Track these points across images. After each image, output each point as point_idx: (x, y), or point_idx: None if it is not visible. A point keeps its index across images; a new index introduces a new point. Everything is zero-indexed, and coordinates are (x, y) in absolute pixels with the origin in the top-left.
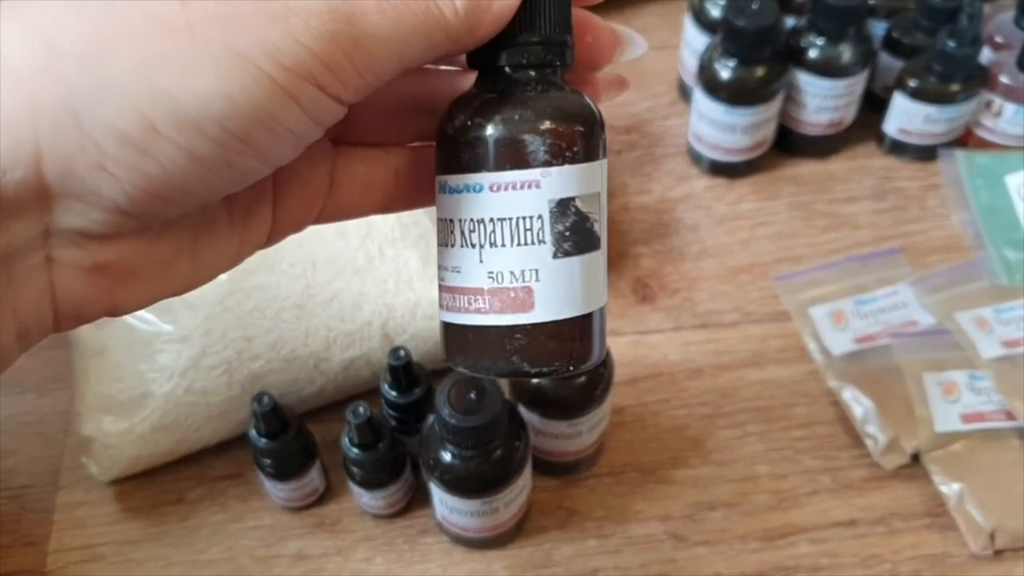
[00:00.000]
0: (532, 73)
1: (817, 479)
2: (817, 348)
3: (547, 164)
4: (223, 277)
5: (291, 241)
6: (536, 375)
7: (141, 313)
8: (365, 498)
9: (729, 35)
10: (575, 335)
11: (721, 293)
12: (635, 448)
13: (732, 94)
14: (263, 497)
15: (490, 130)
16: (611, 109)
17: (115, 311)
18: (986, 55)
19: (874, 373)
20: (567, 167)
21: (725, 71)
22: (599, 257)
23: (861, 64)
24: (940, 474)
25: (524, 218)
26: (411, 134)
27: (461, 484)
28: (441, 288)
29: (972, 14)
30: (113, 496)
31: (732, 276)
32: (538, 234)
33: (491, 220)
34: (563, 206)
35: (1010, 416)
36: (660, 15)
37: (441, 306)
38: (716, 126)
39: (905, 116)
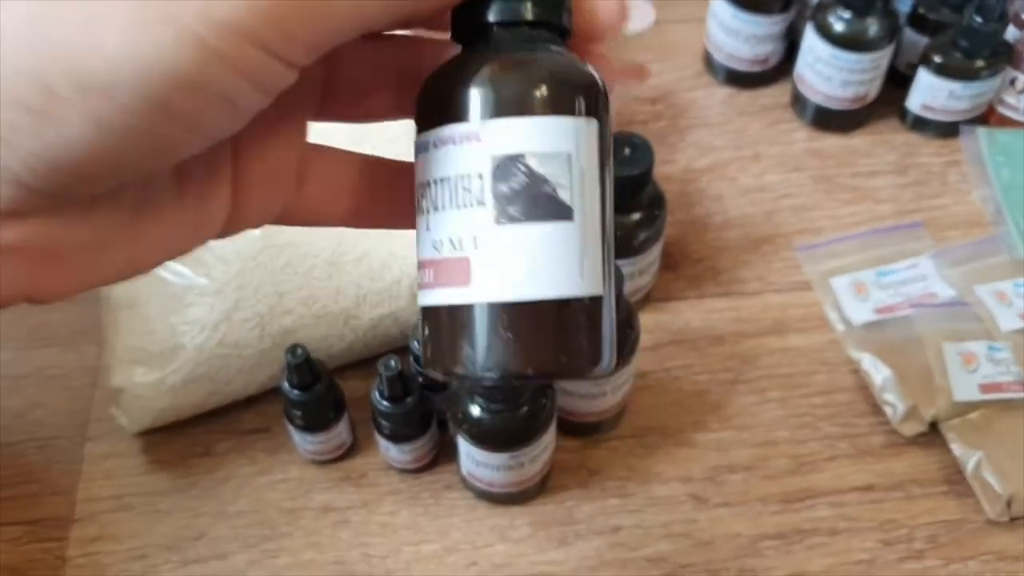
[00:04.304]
0: (505, 33)
1: (836, 445)
2: (838, 318)
3: (489, 116)
4: (255, 233)
5: None
6: (485, 378)
7: (174, 266)
8: (392, 452)
9: None
10: (533, 328)
11: (744, 262)
12: (657, 411)
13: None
14: (291, 451)
15: (437, 84)
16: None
17: (34, 297)
18: (1011, 32)
19: (894, 343)
20: (513, 119)
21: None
22: (571, 231)
23: (887, 39)
24: (958, 442)
25: (463, 176)
26: (393, 110)
27: (488, 438)
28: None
29: None
30: (141, 448)
31: (755, 246)
32: (478, 195)
33: (435, 181)
34: (509, 163)
35: None
36: None
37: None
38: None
39: (929, 92)
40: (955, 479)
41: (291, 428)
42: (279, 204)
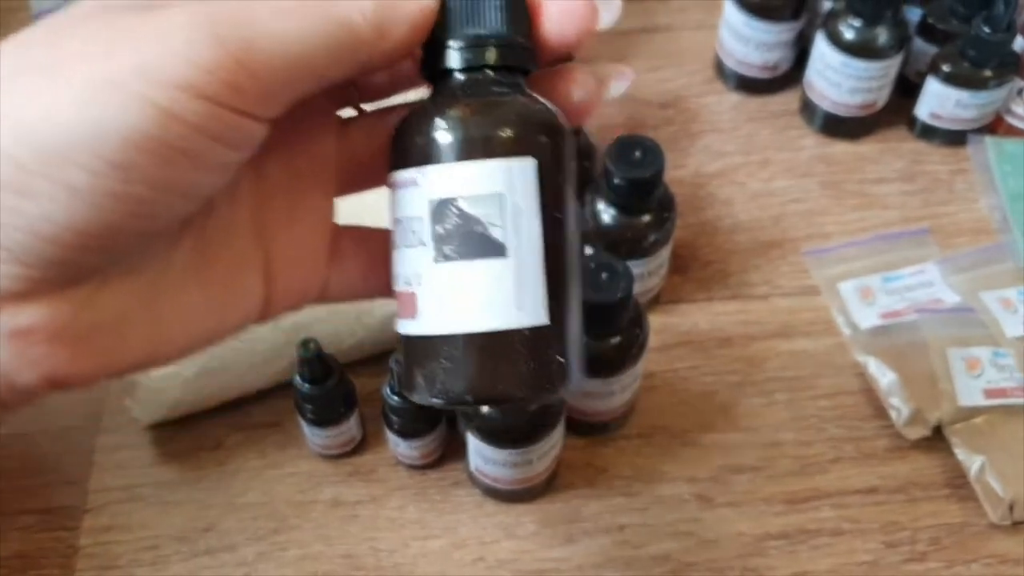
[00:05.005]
0: (463, 77)
1: (841, 447)
2: (845, 322)
3: (424, 162)
4: None
5: None
6: (432, 403)
7: None
8: (401, 447)
9: None
10: (471, 358)
11: (752, 266)
12: (664, 412)
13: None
14: (301, 445)
15: (395, 131)
16: (649, 85)
17: (56, 381)
18: (1019, 43)
19: (899, 347)
20: (446, 165)
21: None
22: (505, 266)
23: (896, 47)
24: (961, 446)
25: (409, 219)
26: None
27: (497, 434)
28: None
29: (1008, 1)
30: (152, 440)
31: (764, 250)
32: (420, 236)
33: (394, 221)
34: (443, 206)
35: None
36: None
37: None
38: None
39: (937, 100)
40: (958, 483)
41: (302, 422)
42: (315, 284)
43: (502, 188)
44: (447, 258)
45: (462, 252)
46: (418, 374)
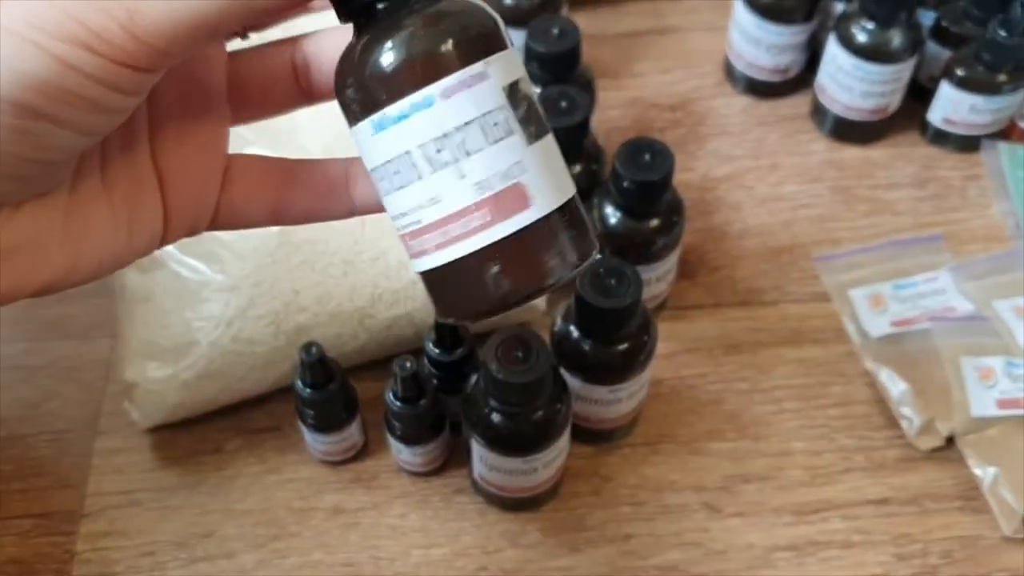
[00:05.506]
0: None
1: (851, 457)
2: (855, 329)
3: (485, 53)
4: (273, 229)
5: None
6: (572, 276)
7: (190, 262)
8: (404, 454)
9: None
10: (579, 219)
11: (761, 272)
12: (671, 420)
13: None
14: (301, 450)
15: (417, 44)
16: (658, 88)
17: None
18: None
19: (911, 356)
20: (502, 52)
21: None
22: (552, 138)
23: (909, 51)
24: (974, 457)
25: (487, 114)
26: (295, 99)
27: (503, 441)
28: (413, 235)
29: None
30: (151, 444)
31: (773, 256)
32: (505, 126)
33: (456, 129)
34: (514, 91)
35: None
36: None
37: (419, 254)
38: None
39: (950, 105)
40: (971, 495)
41: (303, 427)
42: (208, 207)
43: (523, 72)
44: (536, 137)
45: (540, 130)
46: (546, 258)
